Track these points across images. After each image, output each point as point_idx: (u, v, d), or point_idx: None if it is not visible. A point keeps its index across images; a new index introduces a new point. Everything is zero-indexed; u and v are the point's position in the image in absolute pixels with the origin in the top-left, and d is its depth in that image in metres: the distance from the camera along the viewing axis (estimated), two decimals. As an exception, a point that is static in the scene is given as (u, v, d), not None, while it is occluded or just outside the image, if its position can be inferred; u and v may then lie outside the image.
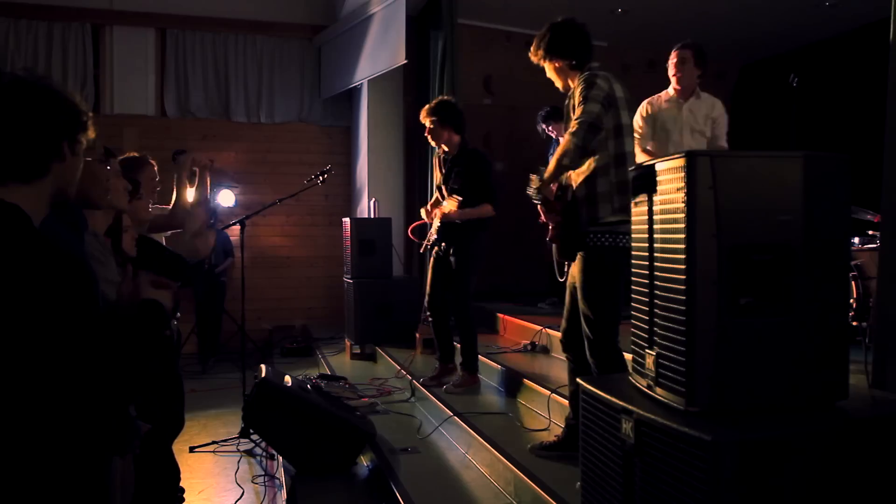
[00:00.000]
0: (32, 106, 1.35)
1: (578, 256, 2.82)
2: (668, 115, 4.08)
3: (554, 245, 2.97)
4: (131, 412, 1.81)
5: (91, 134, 1.47)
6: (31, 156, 1.35)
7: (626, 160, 2.77)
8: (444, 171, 4.46)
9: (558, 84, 3.00)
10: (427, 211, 4.49)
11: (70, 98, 1.41)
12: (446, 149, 4.41)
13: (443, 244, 4.36)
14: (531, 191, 2.84)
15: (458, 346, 4.45)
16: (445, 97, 4.56)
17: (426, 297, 4.56)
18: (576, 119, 2.73)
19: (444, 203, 4.32)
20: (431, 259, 4.51)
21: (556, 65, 2.92)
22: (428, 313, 4.56)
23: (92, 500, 1.38)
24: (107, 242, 2.09)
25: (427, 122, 4.37)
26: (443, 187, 4.43)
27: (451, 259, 4.34)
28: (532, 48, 2.97)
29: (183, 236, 2.39)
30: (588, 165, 2.79)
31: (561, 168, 2.79)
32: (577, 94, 2.80)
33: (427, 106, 4.41)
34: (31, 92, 1.36)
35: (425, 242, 4.54)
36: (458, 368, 4.43)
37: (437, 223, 4.37)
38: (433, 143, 4.47)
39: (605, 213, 2.76)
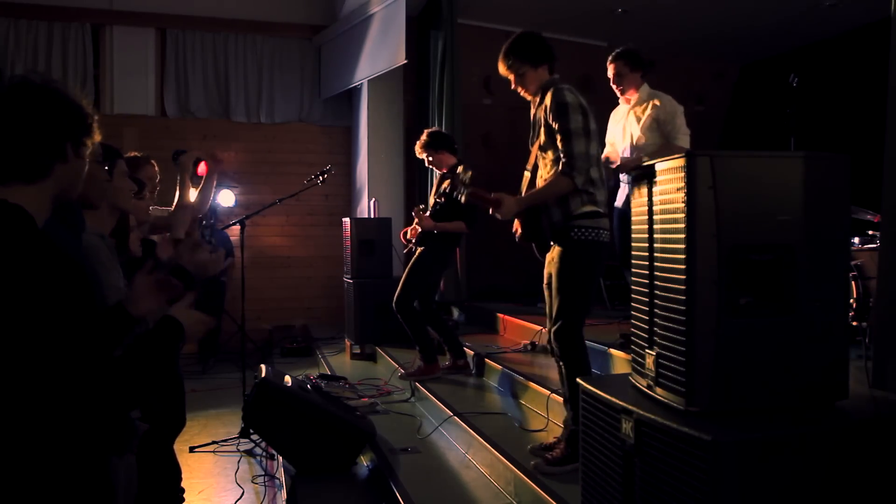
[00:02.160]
0: (36, 107, 1.36)
1: (557, 250, 2.92)
2: (616, 123, 4.31)
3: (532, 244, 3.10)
4: (131, 412, 1.80)
5: (97, 137, 1.48)
6: (33, 156, 1.36)
7: (591, 161, 2.90)
8: (436, 187, 4.96)
9: (528, 92, 3.06)
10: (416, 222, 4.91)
11: (76, 101, 1.42)
12: (444, 169, 4.83)
13: (419, 248, 4.80)
14: (465, 181, 2.94)
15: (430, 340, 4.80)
16: (433, 129, 5.01)
17: (419, 300, 4.83)
18: (567, 160, 2.83)
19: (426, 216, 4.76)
20: (411, 261, 4.88)
21: (524, 70, 3.00)
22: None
23: (91, 499, 1.38)
24: (112, 243, 2.09)
25: (423, 155, 4.82)
26: (431, 197, 4.92)
27: (418, 258, 4.77)
28: (501, 63, 3.05)
29: (184, 247, 2.40)
30: (555, 170, 2.92)
31: (544, 201, 2.92)
32: (550, 113, 2.88)
33: (418, 142, 4.83)
34: (34, 93, 1.37)
35: (409, 245, 4.92)
36: (419, 359, 4.79)
37: (418, 229, 4.81)
38: (437, 169, 4.91)
39: (577, 206, 2.88)
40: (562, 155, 2.85)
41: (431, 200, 4.91)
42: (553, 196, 2.90)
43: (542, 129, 2.94)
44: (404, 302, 4.73)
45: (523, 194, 3.08)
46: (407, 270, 4.77)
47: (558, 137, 2.86)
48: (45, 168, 1.37)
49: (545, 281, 3.05)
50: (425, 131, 4.92)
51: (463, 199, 2.99)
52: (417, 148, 4.83)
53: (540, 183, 3.00)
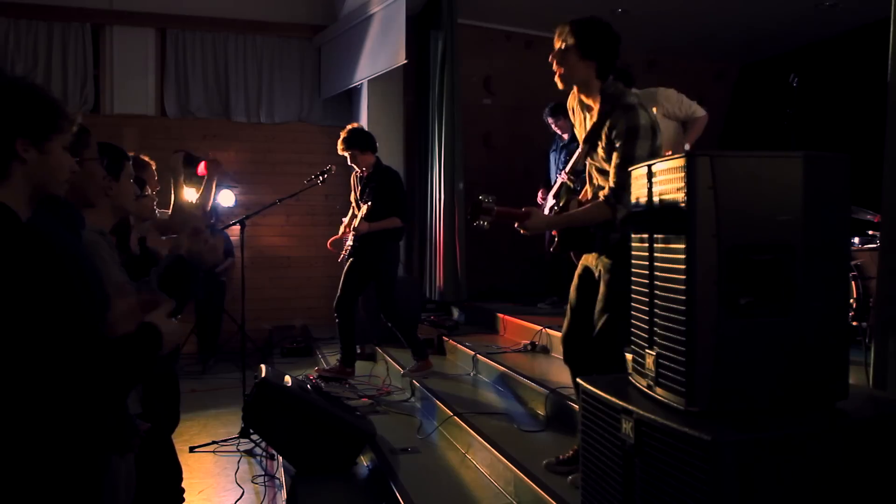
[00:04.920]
0: None
1: (606, 261, 2.70)
2: None
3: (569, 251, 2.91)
4: (130, 410, 1.81)
5: (71, 131, 1.44)
6: None
7: None
8: (359, 187, 4.98)
9: (562, 82, 2.74)
10: (345, 225, 4.98)
11: (35, 95, 1.38)
12: (364, 169, 4.90)
13: (357, 255, 4.84)
14: (490, 209, 2.74)
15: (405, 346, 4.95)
16: (354, 125, 5.04)
17: (336, 300, 4.97)
18: (617, 189, 2.55)
19: (357, 219, 4.81)
20: (347, 265, 4.94)
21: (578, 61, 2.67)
22: (336, 314, 4.99)
23: (91, 499, 1.38)
24: (112, 240, 2.09)
25: (346, 153, 4.86)
26: (358, 202, 4.94)
27: (367, 268, 4.83)
28: (559, 30, 2.75)
29: (181, 238, 2.40)
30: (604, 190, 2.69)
31: (578, 226, 2.73)
32: (618, 134, 2.57)
33: (339, 140, 4.87)
34: None
35: (343, 252, 4.96)
36: (412, 357, 4.88)
37: (351, 236, 4.86)
38: (356, 168, 4.96)
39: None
40: (612, 180, 2.58)
41: (362, 206, 4.82)
42: (589, 224, 2.68)
43: (602, 142, 2.64)
44: (390, 309, 4.85)
45: (554, 196, 2.91)
46: (376, 287, 4.84)
47: (615, 156, 2.57)
48: (2, 169, 1.34)
49: (575, 282, 2.85)
50: (347, 127, 4.89)
51: (487, 225, 2.76)
52: (340, 145, 4.82)
53: (589, 191, 2.80)
